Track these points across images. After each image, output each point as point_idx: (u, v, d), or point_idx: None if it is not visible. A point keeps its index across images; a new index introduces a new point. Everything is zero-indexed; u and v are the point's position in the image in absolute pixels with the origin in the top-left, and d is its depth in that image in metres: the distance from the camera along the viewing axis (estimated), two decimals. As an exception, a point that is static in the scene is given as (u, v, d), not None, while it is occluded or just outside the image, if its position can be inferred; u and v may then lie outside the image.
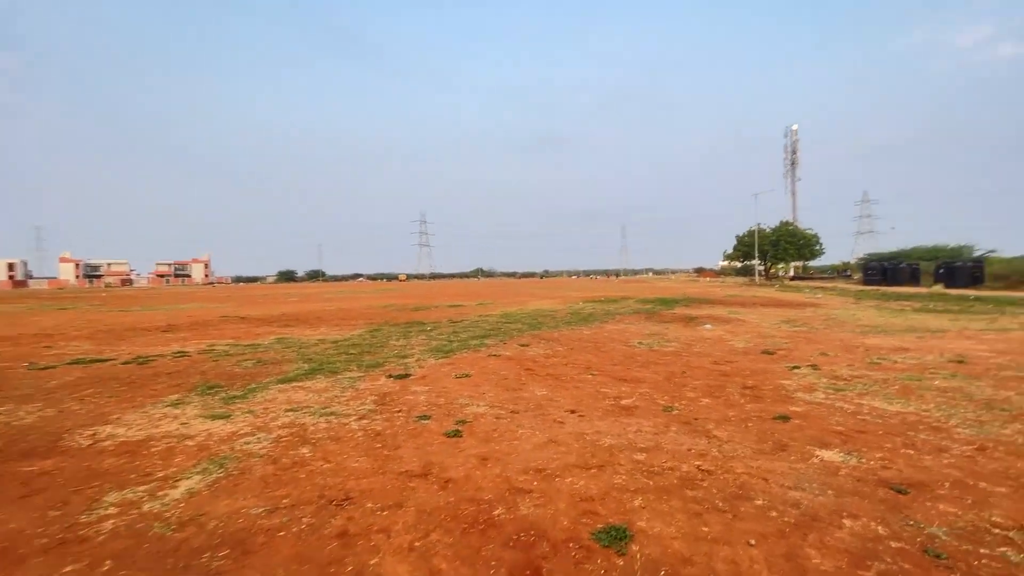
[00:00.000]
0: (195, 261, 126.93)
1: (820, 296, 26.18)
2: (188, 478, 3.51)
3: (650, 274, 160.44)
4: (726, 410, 5.08)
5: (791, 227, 62.25)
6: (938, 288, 30.10)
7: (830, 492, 3.17)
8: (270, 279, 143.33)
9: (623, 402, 5.44)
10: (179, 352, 9.46)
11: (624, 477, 3.43)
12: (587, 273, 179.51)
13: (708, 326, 12.65)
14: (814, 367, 7.21)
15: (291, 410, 5.22)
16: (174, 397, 5.89)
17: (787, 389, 5.93)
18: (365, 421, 4.82)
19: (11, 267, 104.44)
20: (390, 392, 5.98)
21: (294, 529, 2.80)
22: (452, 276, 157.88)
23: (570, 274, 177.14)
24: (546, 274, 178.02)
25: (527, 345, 9.68)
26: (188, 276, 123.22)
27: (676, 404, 5.32)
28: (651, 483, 3.33)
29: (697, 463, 3.67)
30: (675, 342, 9.97)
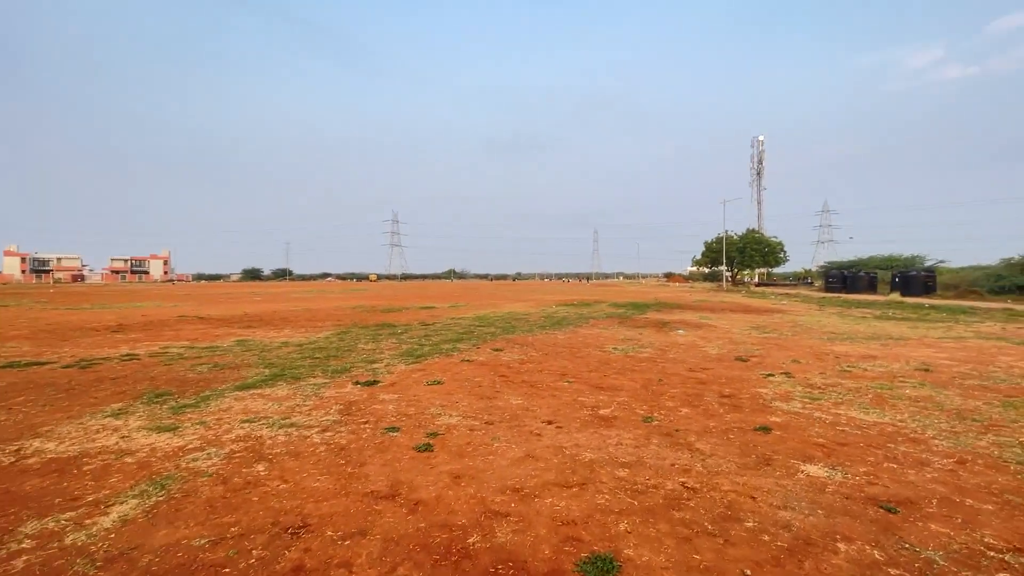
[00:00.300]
0: (154, 257, 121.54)
1: (785, 303, 26.87)
2: (123, 503, 3.12)
3: (621, 278, 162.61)
4: (706, 420, 4.96)
5: (757, 235, 64.11)
6: (895, 296, 31.36)
7: (820, 512, 3.04)
8: (234, 277, 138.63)
9: (602, 412, 5.26)
10: (128, 355, 8.83)
11: (607, 496, 3.23)
12: (559, 276, 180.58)
13: (681, 331, 12.69)
14: (788, 375, 7.22)
15: (247, 421, 4.82)
16: (117, 406, 5.39)
17: (764, 398, 5.87)
18: (328, 434, 4.48)
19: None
20: (357, 401, 5.64)
21: (241, 564, 2.47)
22: (424, 277, 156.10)
23: (542, 277, 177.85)
24: (519, 276, 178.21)
25: (501, 350, 9.44)
26: (146, 273, 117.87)
27: (655, 414, 5.17)
28: (636, 503, 3.13)
29: (682, 480, 3.50)
30: (650, 348, 9.91)
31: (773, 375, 7.19)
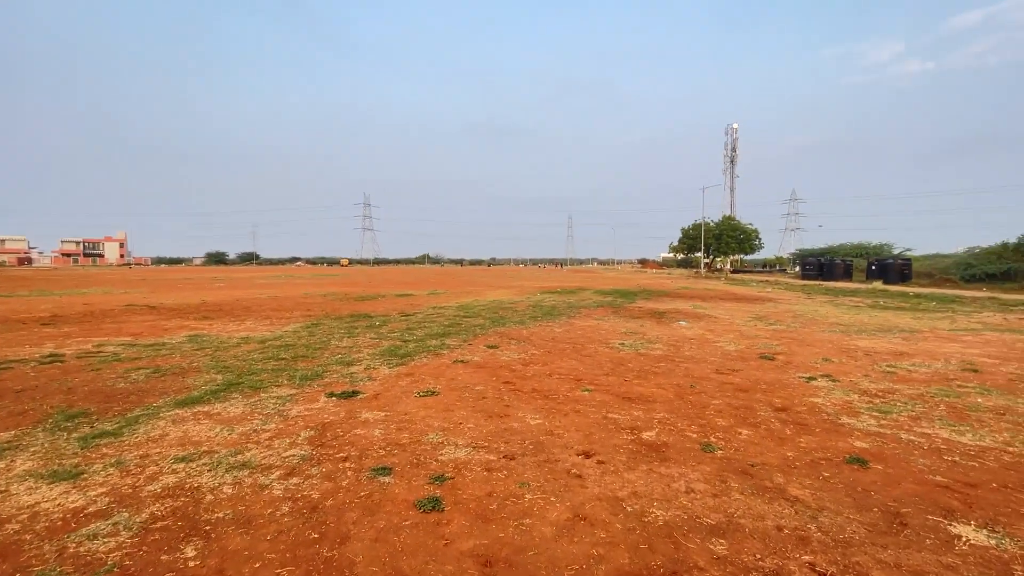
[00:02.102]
0: (108, 240, 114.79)
1: (770, 290, 26.54)
2: (-55, 642, 1.89)
3: (595, 264, 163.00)
4: (778, 448, 3.98)
5: (734, 222, 64.42)
6: (877, 284, 31.55)
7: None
8: (197, 261, 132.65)
9: (645, 436, 4.21)
10: (51, 356, 7.33)
11: (718, 599, 2.17)
12: (534, 261, 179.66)
13: (684, 323, 11.81)
14: (830, 378, 6.34)
15: (183, 459, 3.58)
16: (8, 436, 4.04)
17: (826, 412, 4.94)
18: (295, 480, 3.28)
19: None
20: (332, 422, 4.44)
21: None
22: (398, 262, 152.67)
23: (517, 262, 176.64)
24: (493, 262, 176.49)
25: (496, 347, 8.32)
26: (100, 256, 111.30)
27: (712, 439, 4.16)
28: (768, 614, 2.09)
29: (808, 559, 2.47)
30: (659, 343, 8.95)
31: (814, 379, 6.30)
